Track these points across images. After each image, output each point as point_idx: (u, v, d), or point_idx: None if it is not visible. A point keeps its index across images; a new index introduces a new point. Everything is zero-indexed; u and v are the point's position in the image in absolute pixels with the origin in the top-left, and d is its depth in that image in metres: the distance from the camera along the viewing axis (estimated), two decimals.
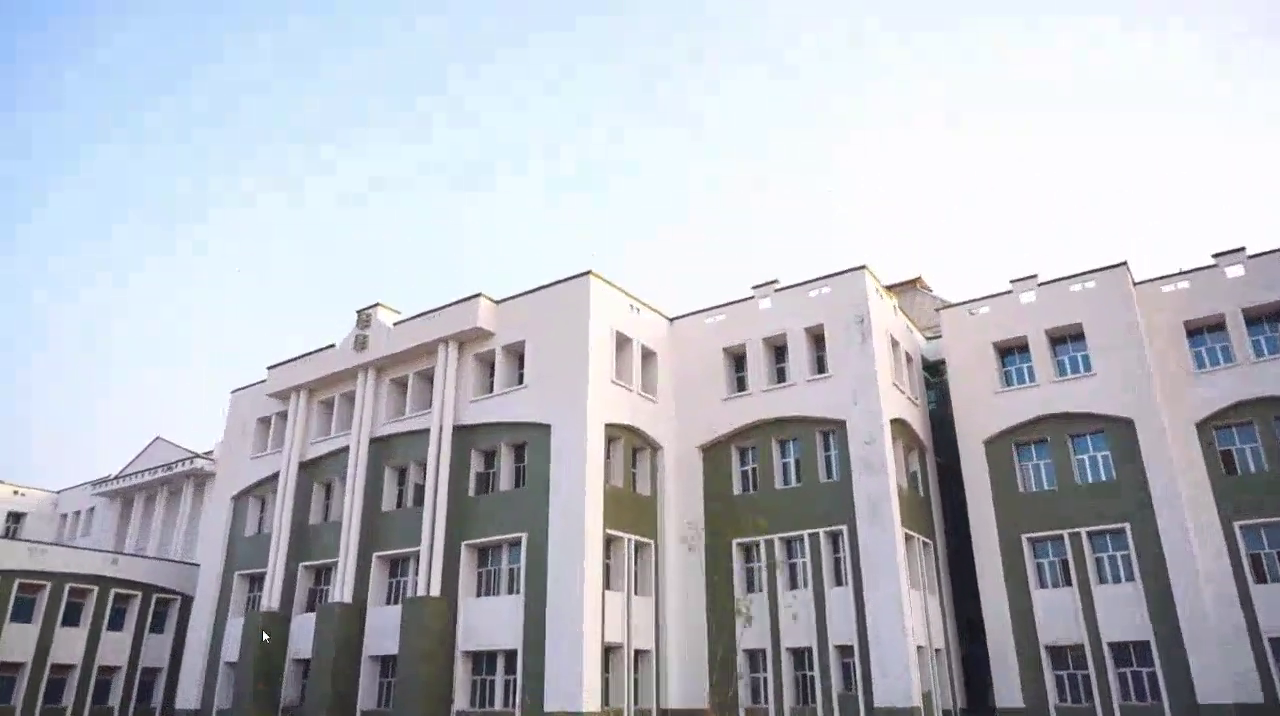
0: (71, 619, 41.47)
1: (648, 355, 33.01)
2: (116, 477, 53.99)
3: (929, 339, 36.64)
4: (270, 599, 35.06)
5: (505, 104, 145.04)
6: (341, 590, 32.61)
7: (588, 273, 31.04)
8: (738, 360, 33.26)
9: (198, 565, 45.58)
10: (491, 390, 32.74)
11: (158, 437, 53.94)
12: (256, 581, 38.07)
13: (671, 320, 34.56)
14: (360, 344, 35.65)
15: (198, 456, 49.36)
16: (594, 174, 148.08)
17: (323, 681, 31.25)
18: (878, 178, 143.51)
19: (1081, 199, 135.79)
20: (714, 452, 32.10)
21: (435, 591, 29.85)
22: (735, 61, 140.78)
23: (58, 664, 40.55)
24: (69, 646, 40.91)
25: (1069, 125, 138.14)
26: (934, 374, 35.98)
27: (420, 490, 33.45)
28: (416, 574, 32.09)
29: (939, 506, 32.88)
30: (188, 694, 37.33)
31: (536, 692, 26.80)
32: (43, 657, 39.99)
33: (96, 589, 42.32)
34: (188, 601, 45.21)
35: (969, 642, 31.82)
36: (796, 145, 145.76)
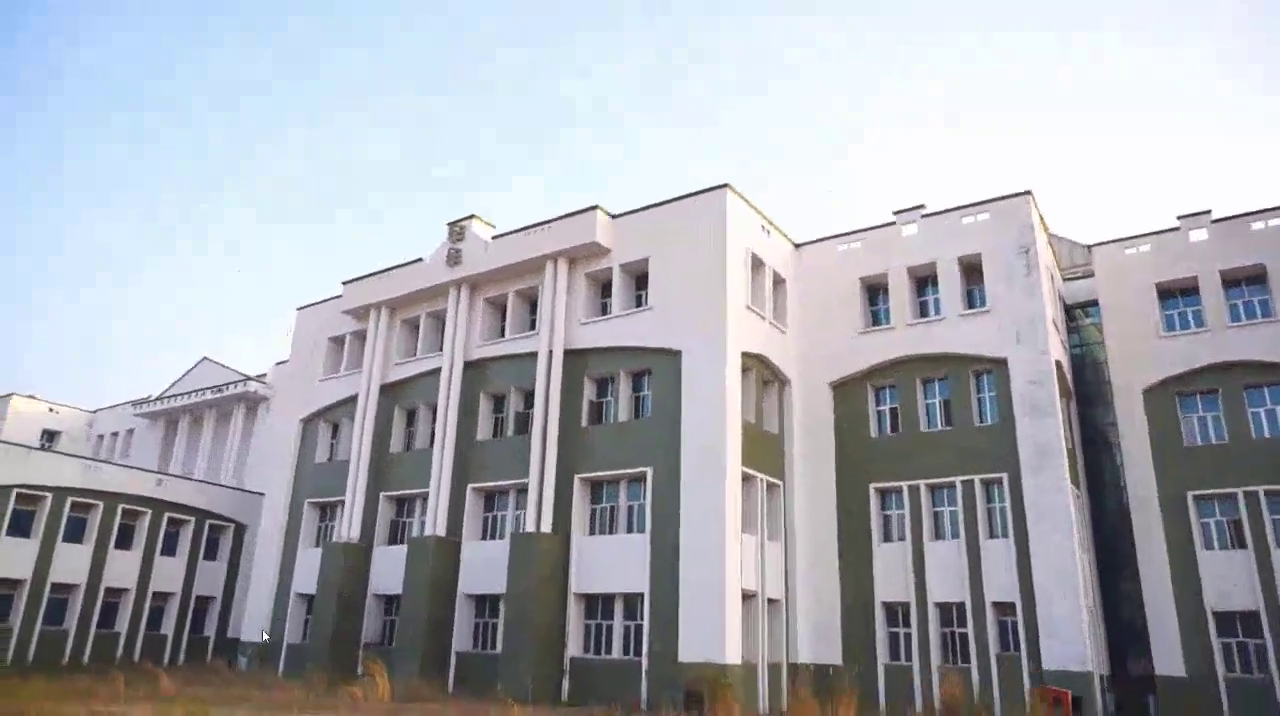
0: (124, 542, 39.22)
1: (778, 282, 30.15)
2: (160, 398, 51.41)
3: (1065, 280, 33.77)
4: (349, 529, 32.64)
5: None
6: (435, 523, 30.17)
7: (724, 186, 28.04)
8: (872, 291, 30.41)
9: (254, 492, 43.47)
10: (605, 312, 29.96)
11: (204, 358, 51.24)
12: (328, 510, 35.66)
13: (797, 246, 31.61)
14: (453, 258, 32.72)
15: (250, 378, 46.69)
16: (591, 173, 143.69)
17: (415, 619, 28.95)
18: (879, 177, 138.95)
19: (1083, 200, 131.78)
20: (847, 390, 29.42)
21: (546, 527, 27.38)
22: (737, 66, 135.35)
23: (111, 587, 38.40)
24: (122, 570, 38.72)
25: (1069, 124, 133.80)
26: (1069, 318, 33.20)
27: (521, 418, 30.85)
28: (519, 508, 29.67)
29: (1082, 457, 30.36)
30: (254, 625, 35.11)
31: (668, 641, 24.47)
32: (96, 580, 37.82)
33: (149, 512, 40.02)
34: (241, 529, 43.13)
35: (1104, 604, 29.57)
36: (799, 145, 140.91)
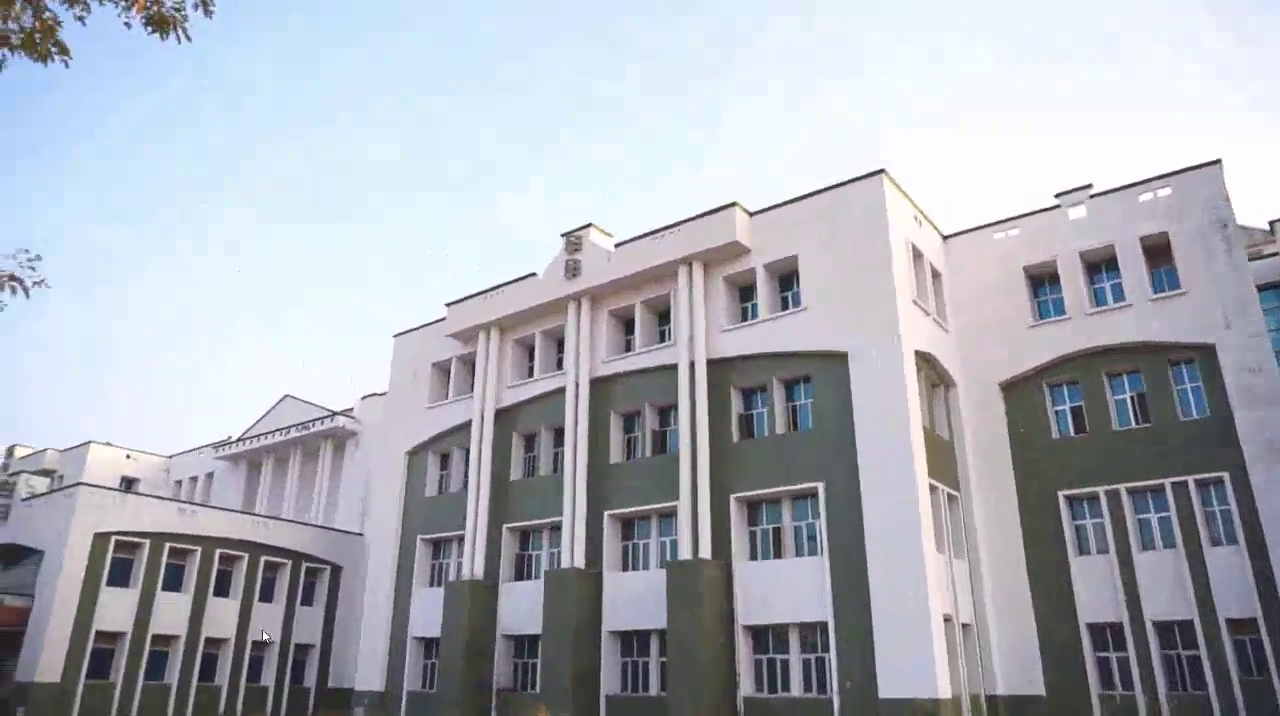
0: (221, 588, 37.24)
1: (935, 275, 27.74)
2: (241, 439, 49.73)
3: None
4: (472, 566, 30.34)
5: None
6: (572, 554, 27.80)
7: (880, 172, 25.80)
8: (1036, 281, 27.85)
9: (351, 532, 41.49)
10: (746, 317, 27.72)
11: (286, 396, 49.56)
12: (441, 547, 33.41)
13: (946, 238, 29.21)
14: (572, 270, 30.68)
15: (338, 413, 44.87)
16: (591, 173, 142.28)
17: (558, 661, 26.49)
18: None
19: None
20: (1019, 390, 26.75)
21: (705, 553, 24.91)
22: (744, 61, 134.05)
23: (211, 637, 36.36)
24: (221, 618, 36.70)
25: (1071, 123, 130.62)
26: None
27: (658, 437, 28.53)
28: (664, 534, 27.28)
29: None
30: (368, 673, 32.75)
31: (864, 676, 21.80)
32: (196, 630, 35.81)
33: (246, 556, 38.06)
34: (337, 571, 41.05)
35: None
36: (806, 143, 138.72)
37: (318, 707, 38.70)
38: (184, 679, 35.15)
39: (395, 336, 37.64)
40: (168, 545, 35.69)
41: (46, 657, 31.54)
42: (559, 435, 31.11)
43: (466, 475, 33.42)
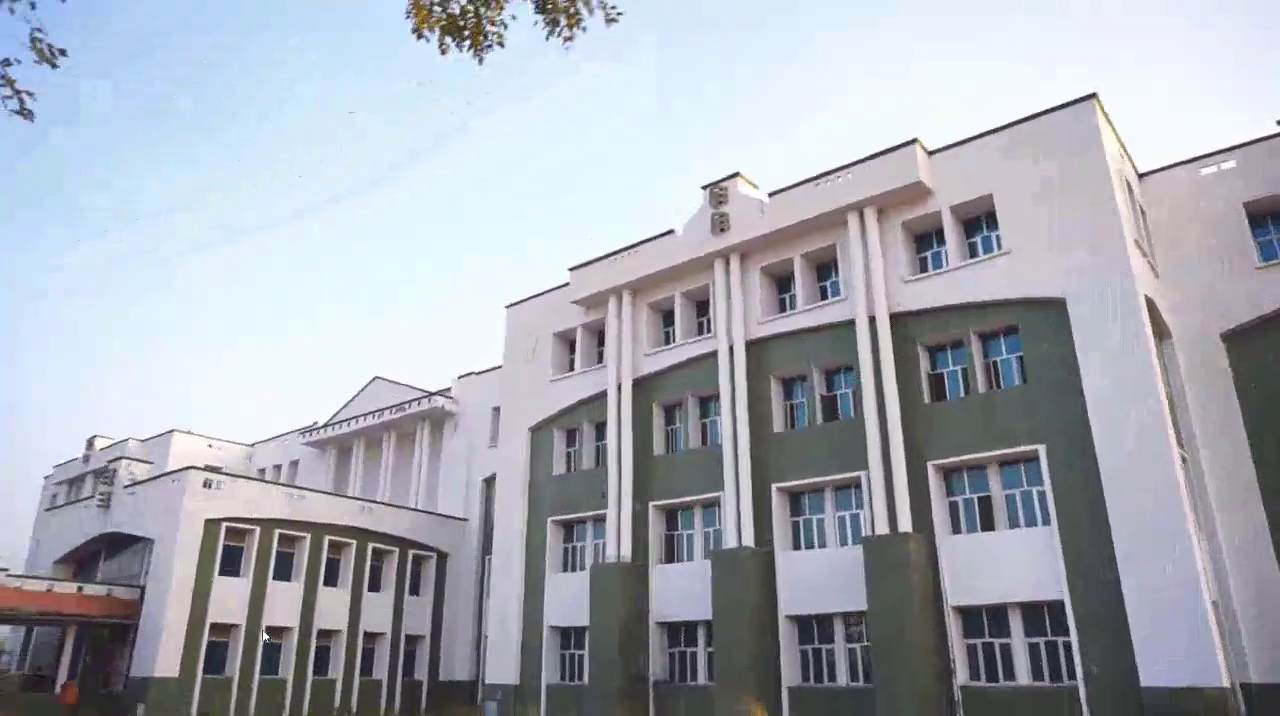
0: (330, 577, 35.24)
1: (1142, 213, 24.77)
2: (330, 423, 47.78)
3: None
4: (619, 548, 27.92)
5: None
6: (738, 533, 25.29)
7: (1092, 95, 22.89)
8: (1258, 219, 24.71)
9: (456, 517, 39.37)
10: (926, 267, 24.97)
11: (376, 377, 47.52)
12: (573, 529, 31.03)
13: (1141, 176, 26.17)
14: (719, 225, 28.06)
15: (435, 393, 42.68)
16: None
17: (732, 648, 24.00)
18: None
19: None
20: (1245, 340, 23.62)
21: (905, 526, 22.27)
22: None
23: (323, 629, 34.36)
24: (332, 609, 34.68)
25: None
26: None
27: (828, 402, 25.88)
28: (841, 508, 24.67)
29: None
30: (498, 665, 30.46)
31: (1117, 661, 19.04)
32: (308, 622, 33.82)
33: (354, 543, 36.03)
34: (443, 558, 38.95)
35: None
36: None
37: (432, 701, 36.64)
38: (299, 672, 33.19)
39: (508, 307, 35.28)
40: (277, 532, 33.73)
41: (163, 651, 29.66)
42: (706, 404, 28.62)
43: (600, 451, 31.03)
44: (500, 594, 31.36)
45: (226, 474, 34.17)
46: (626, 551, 27.63)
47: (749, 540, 24.99)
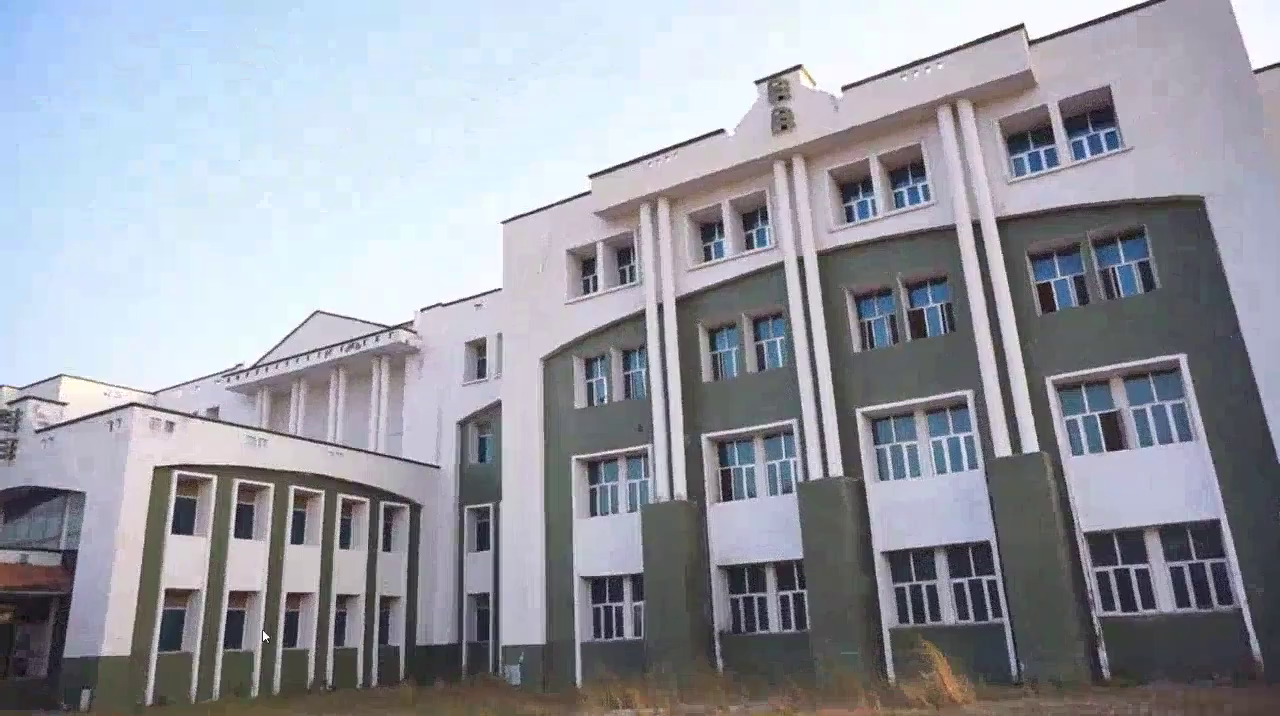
0: (297, 535, 30.47)
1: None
2: (262, 365, 41.93)
3: None
4: (670, 486, 24.79)
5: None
6: (823, 463, 22.68)
7: None
8: None
9: (429, 465, 35.17)
10: (1025, 169, 22.83)
11: (317, 312, 41.98)
12: (601, 468, 27.60)
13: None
14: (781, 122, 24.98)
15: (398, 327, 37.83)
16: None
17: (828, 591, 21.50)
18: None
19: None
20: None
21: (1030, 446, 20.24)
22: None
23: (293, 593, 29.70)
24: (301, 569, 30.01)
25: None
26: None
27: (915, 318, 23.49)
28: (936, 433, 22.46)
29: None
30: (520, 624, 26.80)
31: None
32: (276, 584, 29.10)
33: (323, 494, 31.32)
34: (416, 510, 34.67)
35: None
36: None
37: (412, 668, 32.52)
38: (268, 644, 28.44)
39: (505, 223, 31.03)
40: (237, 482, 28.64)
41: (111, 626, 24.45)
42: (762, 325, 25.73)
43: (629, 380, 27.68)
44: (515, 544, 27.61)
45: (177, 413, 28.61)
46: (681, 489, 24.53)
47: (836, 470, 22.40)
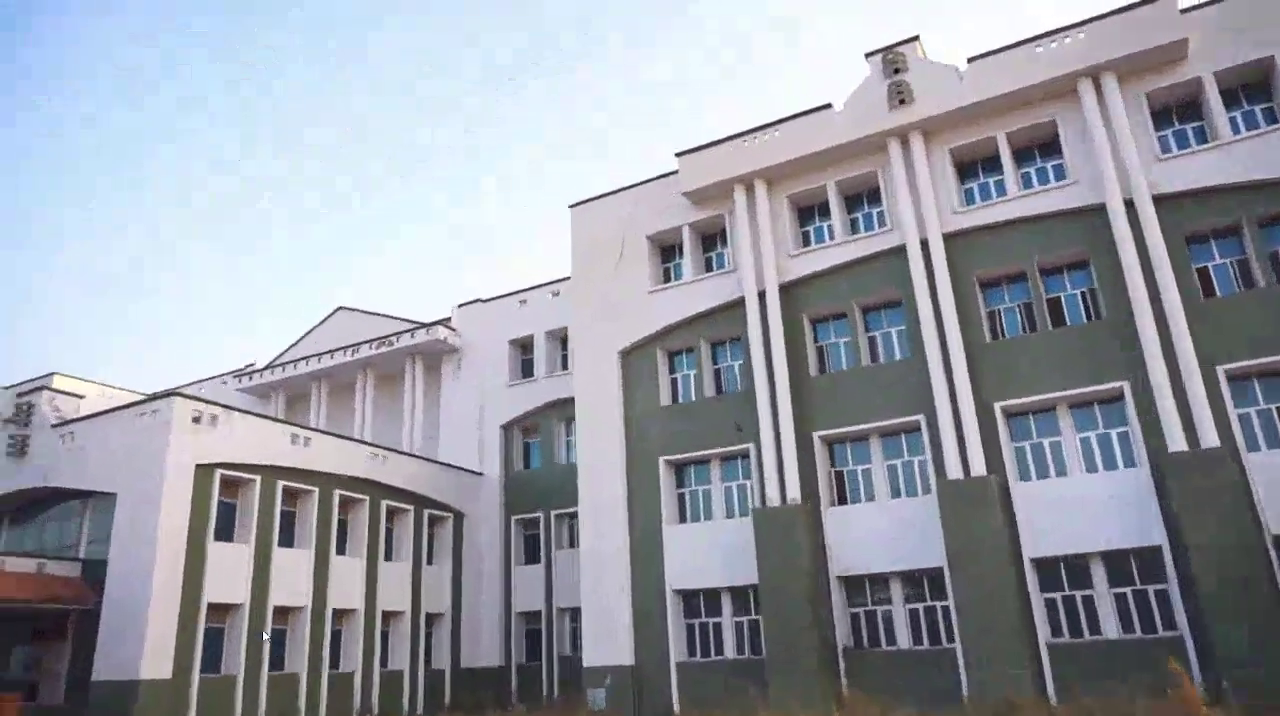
0: (340, 544, 27.70)
1: None
2: (278, 364, 38.97)
3: None
4: (780, 489, 22.63)
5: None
6: (962, 461, 20.73)
7: None
8: None
9: (472, 471, 32.67)
10: (1173, 145, 21.29)
11: (340, 308, 39.22)
12: (684, 472, 25.31)
13: None
14: (899, 96, 23.21)
15: (435, 324, 35.25)
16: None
17: (979, 603, 19.47)
18: None
19: None
20: None
21: (1210, 441, 18.50)
22: None
23: (338, 609, 26.91)
24: (347, 583, 27.25)
25: None
26: None
27: (1053, 304, 21.72)
28: (1084, 428, 20.65)
29: None
30: (602, 644, 24.26)
31: None
32: (321, 599, 26.27)
33: (367, 499, 28.60)
34: (460, 519, 32.05)
35: None
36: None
37: (457, 693, 29.77)
38: (313, 665, 25.60)
39: (574, 207, 28.79)
40: (280, 483, 25.85)
41: (152, 645, 21.49)
42: (872, 315, 23.81)
43: (720, 375, 25.52)
44: (595, 555, 25.12)
45: (219, 404, 25.74)
46: (795, 491, 22.36)
47: (979, 468, 20.45)
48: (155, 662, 21.44)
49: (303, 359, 38.05)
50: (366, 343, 36.37)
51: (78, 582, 24.37)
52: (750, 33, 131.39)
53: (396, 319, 37.05)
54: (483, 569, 32.10)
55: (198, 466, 23.61)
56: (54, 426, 26.25)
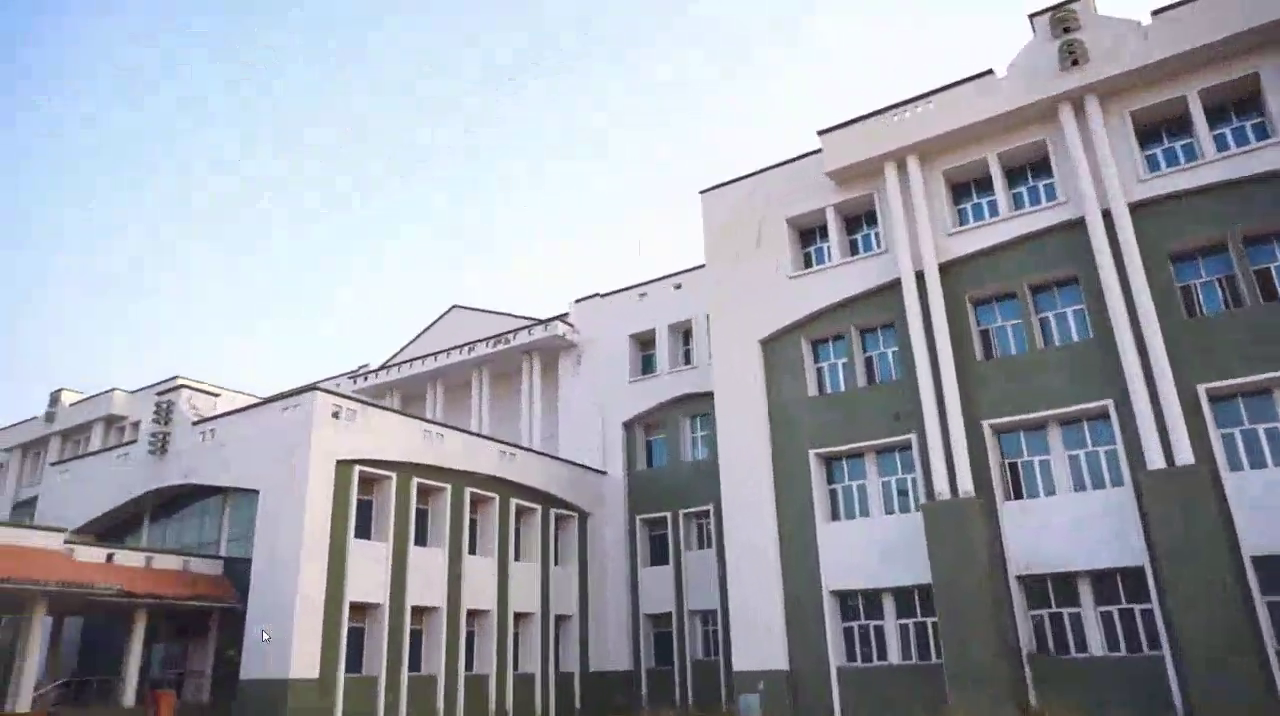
0: (472, 544, 27.06)
1: None
2: (392, 364, 38.90)
3: None
4: (949, 481, 21.01)
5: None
6: (1164, 448, 18.82)
7: None
8: None
9: (595, 469, 31.76)
10: None
11: (454, 306, 38.97)
12: (833, 466, 23.83)
13: None
14: (1071, 56, 21.43)
15: (550, 320, 34.58)
16: None
17: (1202, 604, 17.53)
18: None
19: None
20: None
21: (1185, 459, 16.85)
22: None
23: (472, 610, 26.24)
24: (479, 583, 26.58)
25: None
26: None
27: (1263, 277, 19.62)
28: None
29: None
30: (754, 646, 22.88)
31: None
32: (455, 599, 25.63)
33: (497, 498, 27.90)
34: (584, 520, 31.16)
35: None
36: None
37: (586, 698, 28.85)
38: (450, 667, 24.94)
39: (704, 193, 27.71)
40: (415, 481, 25.32)
41: (299, 644, 21.01)
42: (1040, 295, 22.03)
43: (871, 363, 24.04)
44: (741, 554, 23.85)
45: (355, 399, 25.42)
46: (967, 484, 20.73)
47: (1185, 457, 18.52)
48: (304, 662, 20.98)
49: (418, 358, 37.85)
50: (483, 340, 35.92)
51: (220, 580, 24.23)
52: (750, 33, 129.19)
53: (511, 316, 36.53)
54: (608, 570, 31.15)
55: (338, 462, 23.20)
56: (194, 424, 26.27)
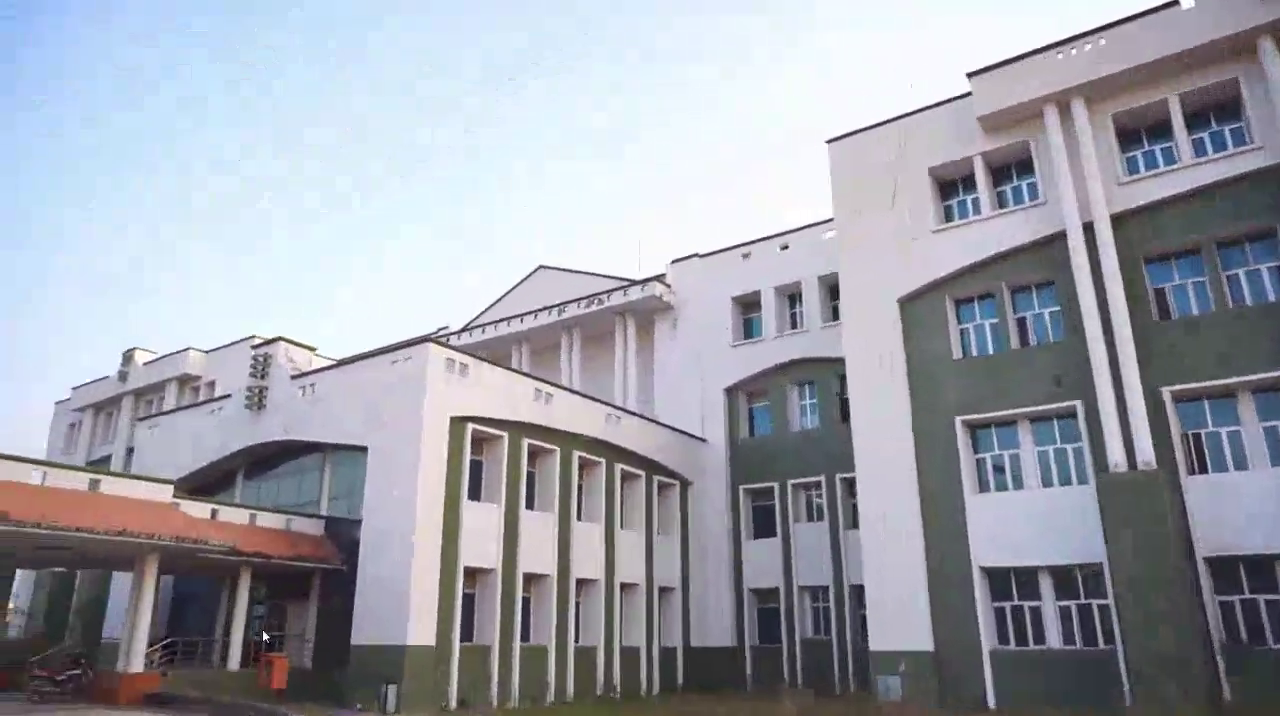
0: (579, 509, 25.72)
1: None
2: (476, 326, 37.64)
3: None
4: (1125, 452, 19.07)
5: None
6: None
7: None
8: None
9: (695, 437, 30.25)
10: None
11: (540, 266, 37.58)
12: (991, 434, 21.96)
13: None
14: None
15: (647, 281, 32.97)
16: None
17: None
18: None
19: None
20: None
21: (1147, 460, 15.07)
22: None
23: (580, 579, 24.96)
24: (587, 551, 25.28)
25: None
26: None
27: None
28: None
29: None
30: (894, 624, 21.25)
31: None
32: (565, 566, 24.37)
33: (603, 462, 26.52)
34: (685, 488, 29.69)
35: None
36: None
37: (689, 674, 27.53)
38: (560, 637, 23.68)
39: (830, 142, 25.84)
40: (526, 441, 23.99)
41: (416, 610, 19.80)
42: (1225, 250, 19.96)
43: (1024, 324, 22.15)
44: (878, 527, 22.21)
45: (468, 353, 24.15)
46: (1148, 455, 18.82)
47: None
48: (421, 627, 19.78)
49: (502, 320, 36.50)
50: (574, 301, 34.44)
51: (322, 540, 23.20)
52: (750, 33, 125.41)
53: (602, 277, 35.01)
54: (709, 542, 29.72)
55: (452, 419, 21.90)
56: (293, 378, 25.15)
